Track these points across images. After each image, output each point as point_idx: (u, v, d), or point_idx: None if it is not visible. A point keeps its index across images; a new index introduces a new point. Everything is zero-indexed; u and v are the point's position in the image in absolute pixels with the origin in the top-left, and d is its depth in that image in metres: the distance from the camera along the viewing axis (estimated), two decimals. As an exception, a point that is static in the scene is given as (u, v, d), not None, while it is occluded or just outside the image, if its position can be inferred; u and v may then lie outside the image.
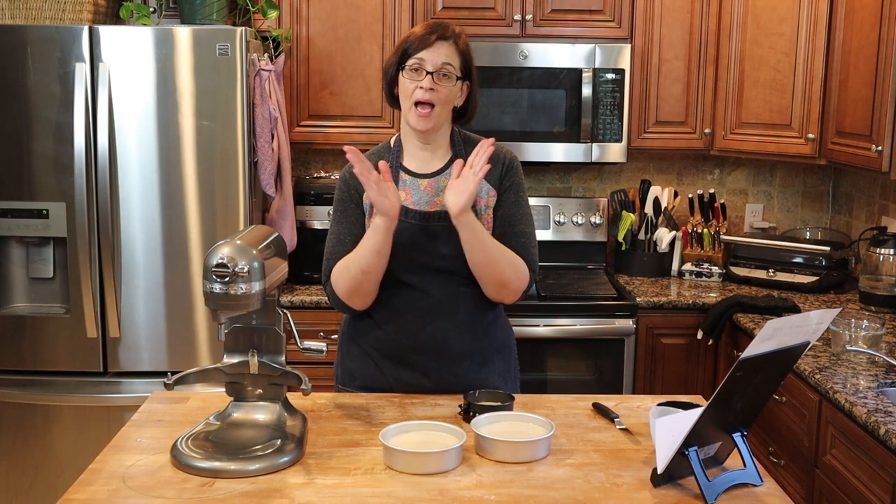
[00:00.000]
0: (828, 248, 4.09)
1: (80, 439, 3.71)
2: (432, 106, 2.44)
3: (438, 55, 2.43)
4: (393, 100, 2.57)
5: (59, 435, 3.72)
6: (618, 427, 2.30)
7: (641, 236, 4.39)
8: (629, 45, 4.08)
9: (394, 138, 2.63)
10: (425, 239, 2.49)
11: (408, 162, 2.57)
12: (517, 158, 2.61)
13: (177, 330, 3.69)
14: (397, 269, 2.48)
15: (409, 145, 2.58)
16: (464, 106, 2.56)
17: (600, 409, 2.41)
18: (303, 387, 2.15)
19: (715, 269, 4.29)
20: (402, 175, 2.55)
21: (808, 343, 2.03)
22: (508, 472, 2.02)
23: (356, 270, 2.43)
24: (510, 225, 2.52)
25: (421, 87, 2.43)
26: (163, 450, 2.11)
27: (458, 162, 2.39)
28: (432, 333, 2.52)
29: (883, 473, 2.42)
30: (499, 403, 2.33)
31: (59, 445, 3.73)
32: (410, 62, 2.44)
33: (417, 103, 2.44)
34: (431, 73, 2.42)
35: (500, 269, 2.45)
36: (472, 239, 2.40)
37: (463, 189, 2.35)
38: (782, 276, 4.10)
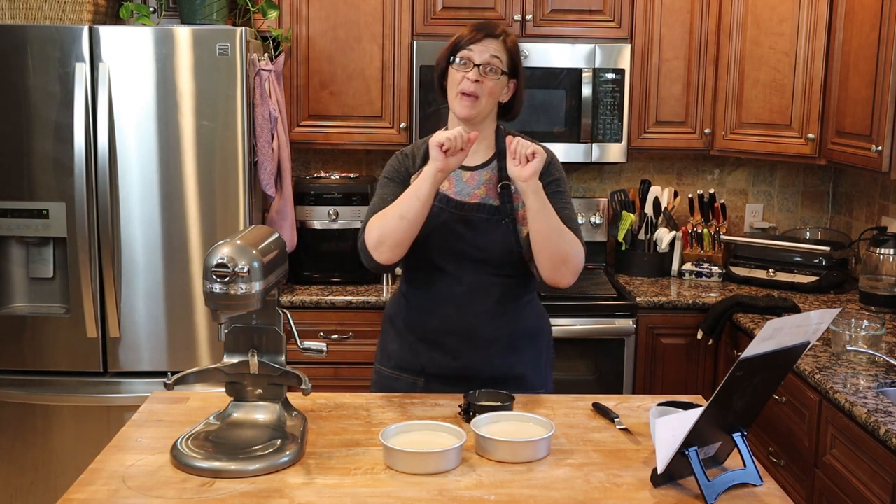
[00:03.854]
0: (828, 248, 4.09)
1: (80, 439, 3.71)
2: (477, 97, 2.53)
3: (486, 49, 2.53)
4: (443, 92, 2.65)
5: (59, 435, 3.72)
6: (618, 427, 2.30)
7: (641, 236, 4.39)
8: (629, 45, 4.08)
9: (444, 129, 2.69)
10: (464, 228, 2.56)
11: None
12: (555, 155, 2.70)
13: (177, 330, 3.69)
14: (435, 255, 2.58)
15: None
16: (509, 103, 2.65)
17: (600, 409, 2.41)
18: (303, 387, 2.15)
19: (715, 269, 4.29)
20: None
21: (808, 343, 2.03)
22: (508, 472, 2.02)
23: (393, 215, 2.47)
24: (557, 211, 2.52)
25: (467, 79, 2.52)
26: (163, 450, 2.11)
27: (509, 139, 2.44)
28: (463, 318, 2.59)
29: (883, 473, 2.43)
30: (499, 403, 2.33)
31: (59, 445, 3.73)
32: (460, 55, 2.54)
33: (462, 93, 2.53)
34: (478, 66, 2.52)
35: (562, 242, 2.48)
36: (538, 206, 2.43)
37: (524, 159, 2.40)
38: (782, 276, 4.10)
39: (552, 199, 2.52)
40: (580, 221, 4.42)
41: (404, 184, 2.61)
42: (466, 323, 2.59)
